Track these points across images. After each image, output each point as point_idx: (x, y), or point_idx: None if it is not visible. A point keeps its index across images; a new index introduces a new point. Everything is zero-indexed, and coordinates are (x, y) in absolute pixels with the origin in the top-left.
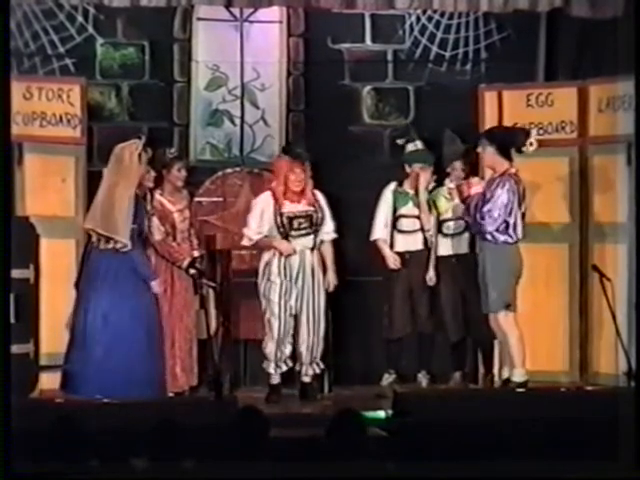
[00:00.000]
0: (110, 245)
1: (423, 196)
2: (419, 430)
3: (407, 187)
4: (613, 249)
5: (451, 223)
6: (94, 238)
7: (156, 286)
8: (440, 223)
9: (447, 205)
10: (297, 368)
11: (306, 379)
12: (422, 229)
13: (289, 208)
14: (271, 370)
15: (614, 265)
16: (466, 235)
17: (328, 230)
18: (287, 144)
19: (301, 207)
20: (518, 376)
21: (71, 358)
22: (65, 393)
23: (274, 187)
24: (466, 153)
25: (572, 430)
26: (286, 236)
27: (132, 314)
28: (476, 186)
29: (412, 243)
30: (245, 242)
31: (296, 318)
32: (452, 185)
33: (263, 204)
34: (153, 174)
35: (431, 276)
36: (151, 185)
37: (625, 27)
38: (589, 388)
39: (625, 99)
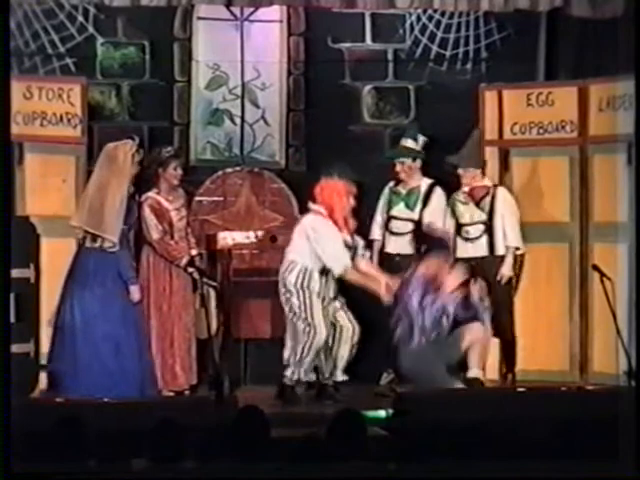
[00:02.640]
0: (97, 244)
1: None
2: (419, 430)
3: (400, 187)
4: (613, 249)
5: (470, 228)
6: (80, 236)
7: (135, 291)
8: (459, 227)
9: (464, 209)
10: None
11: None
12: (414, 232)
13: (345, 237)
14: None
15: (614, 265)
16: (484, 238)
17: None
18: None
19: (347, 237)
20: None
21: (57, 357)
22: (53, 393)
23: (326, 213)
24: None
25: (572, 430)
26: None
27: (120, 314)
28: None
29: (403, 246)
30: (348, 275)
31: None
32: (466, 189)
33: (334, 232)
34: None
35: None
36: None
37: (625, 27)
38: (589, 388)
39: (625, 98)
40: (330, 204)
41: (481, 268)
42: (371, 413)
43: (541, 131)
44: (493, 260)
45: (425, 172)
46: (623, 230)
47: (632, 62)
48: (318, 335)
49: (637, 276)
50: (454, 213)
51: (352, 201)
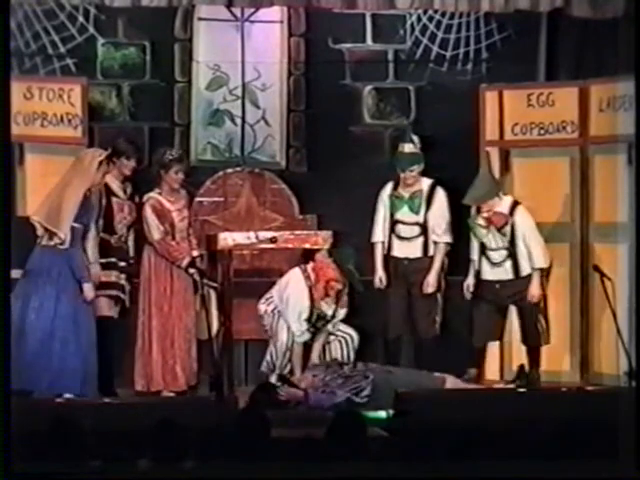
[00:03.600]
0: (52, 242)
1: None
2: (420, 430)
3: (402, 190)
4: (614, 249)
5: (493, 253)
6: (39, 233)
7: (89, 290)
8: (483, 249)
9: (485, 233)
10: None
11: None
12: (423, 234)
13: (321, 306)
14: None
15: (615, 265)
16: (509, 263)
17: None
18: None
19: (326, 306)
20: None
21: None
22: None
23: (313, 283)
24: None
25: (572, 430)
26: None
27: (69, 312)
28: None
29: (411, 250)
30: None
31: None
32: (486, 214)
33: (303, 298)
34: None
35: (429, 282)
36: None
37: (626, 27)
38: (590, 388)
39: (626, 99)
40: (318, 277)
41: (506, 289)
42: (371, 413)
43: (542, 132)
44: (518, 281)
45: (424, 172)
46: (623, 230)
47: (632, 62)
48: (279, 344)
49: (637, 276)
50: (475, 235)
51: (338, 286)
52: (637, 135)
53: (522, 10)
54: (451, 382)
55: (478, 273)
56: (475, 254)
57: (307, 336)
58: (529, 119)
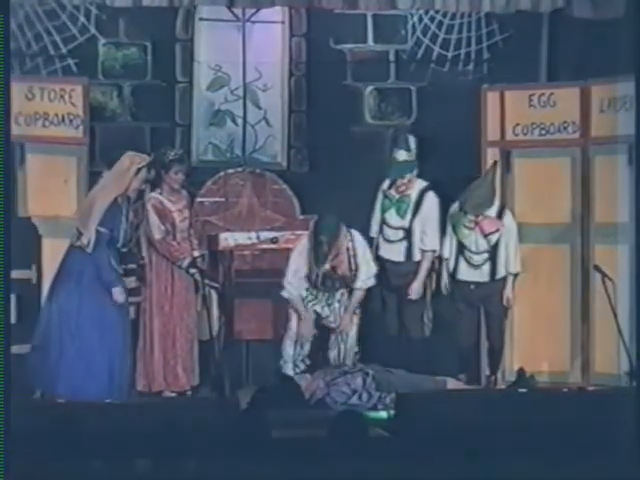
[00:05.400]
0: (79, 243)
1: None
2: (420, 430)
3: (393, 191)
4: (614, 249)
5: (474, 256)
6: (74, 232)
7: (118, 293)
8: (461, 248)
9: (468, 234)
10: None
11: None
12: (406, 239)
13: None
14: None
15: (615, 265)
16: (487, 265)
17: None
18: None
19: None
20: None
21: (33, 350)
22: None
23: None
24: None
25: (573, 430)
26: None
27: (92, 314)
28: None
29: (395, 253)
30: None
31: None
32: (473, 217)
33: (299, 256)
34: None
35: (414, 289)
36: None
37: (627, 28)
38: (591, 388)
39: (626, 99)
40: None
41: (480, 291)
42: (372, 414)
43: (543, 132)
44: (492, 283)
45: (423, 172)
46: (624, 231)
47: (633, 63)
48: (290, 332)
49: (638, 277)
50: (455, 233)
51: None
52: (638, 135)
53: (523, 11)
54: (452, 385)
55: (452, 272)
56: (449, 252)
57: (318, 297)
58: (530, 119)
